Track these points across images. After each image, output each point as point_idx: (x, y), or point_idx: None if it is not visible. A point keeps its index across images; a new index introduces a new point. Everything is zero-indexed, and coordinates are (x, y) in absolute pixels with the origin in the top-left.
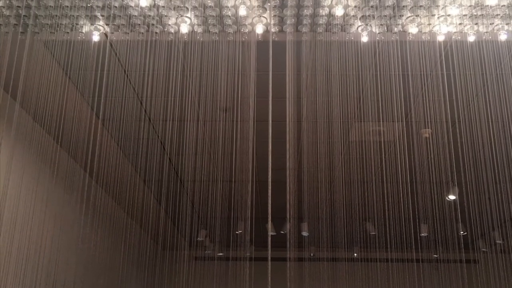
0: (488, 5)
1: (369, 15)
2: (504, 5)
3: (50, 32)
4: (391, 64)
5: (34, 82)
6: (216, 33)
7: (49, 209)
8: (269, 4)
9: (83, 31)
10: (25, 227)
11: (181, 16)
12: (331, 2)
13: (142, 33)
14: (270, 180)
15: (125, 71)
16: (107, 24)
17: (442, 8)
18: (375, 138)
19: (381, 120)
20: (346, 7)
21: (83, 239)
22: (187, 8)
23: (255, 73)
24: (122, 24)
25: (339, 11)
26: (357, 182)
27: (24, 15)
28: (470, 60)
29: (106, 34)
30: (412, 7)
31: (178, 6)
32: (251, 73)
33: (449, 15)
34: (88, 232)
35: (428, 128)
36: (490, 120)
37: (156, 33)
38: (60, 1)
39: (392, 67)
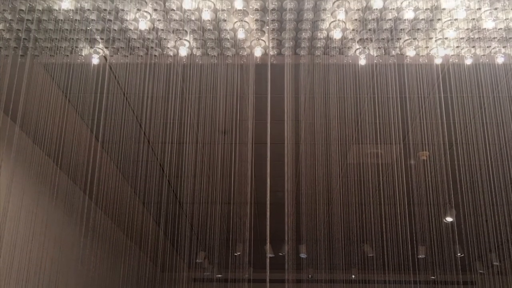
0: (485, 28)
1: (367, 38)
2: (501, 28)
3: (50, 55)
4: (389, 86)
5: (34, 105)
6: (214, 56)
7: (48, 231)
8: (267, 27)
9: (83, 54)
10: (25, 248)
11: (180, 39)
12: (329, 25)
13: (141, 56)
14: (268, 202)
15: (124, 94)
16: (106, 47)
17: (440, 31)
18: (373, 160)
19: (379, 143)
20: (344, 30)
21: (82, 260)
22: (186, 31)
23: (253, 95)
24: (121, 47)
25: (337, 34)
26: (355, 204)
27: (24, 38)
28: (467, 83)
29: (105, 57)
30: (409, 30)
31: (177, 29)
32: (249, 96)
33: (446, 38)
34: (88, 254)
35: (425, 150)
36: (487, 143)
37: (155, 56)
38: (60, 24)
39: (390, 89)
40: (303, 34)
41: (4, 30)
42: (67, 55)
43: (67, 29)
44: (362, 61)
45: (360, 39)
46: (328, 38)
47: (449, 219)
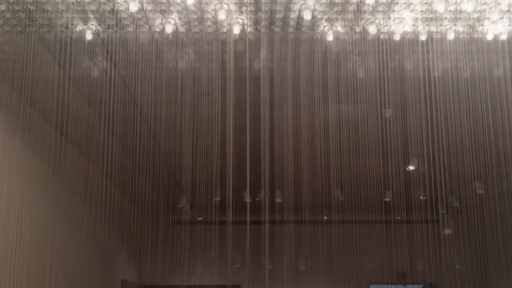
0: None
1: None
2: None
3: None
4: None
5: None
6: (197, 32)
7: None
8: (245, 8)
9: (77, 30)
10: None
11: (166, 18)
12: (300, 6)
13: (131, 31)
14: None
15: (119, 72)
16: (99, 24)
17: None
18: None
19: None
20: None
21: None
22: (172, 11)
23: (233, 70)
24: (112, 24)
25: (307, 15)
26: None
27: (24, 17)
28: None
29: (98, 33)
30: (371, 10)
31: (163, 10)
32: (230, 71)
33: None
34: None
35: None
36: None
37: (143, 31)
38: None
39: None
40: (277, 14)
41: (6, 11)
42: (62, 31)
43: (63, 10)
44: (330, 37)
45: (328, 18)
46: (300, 17)
47: (411, 167)
